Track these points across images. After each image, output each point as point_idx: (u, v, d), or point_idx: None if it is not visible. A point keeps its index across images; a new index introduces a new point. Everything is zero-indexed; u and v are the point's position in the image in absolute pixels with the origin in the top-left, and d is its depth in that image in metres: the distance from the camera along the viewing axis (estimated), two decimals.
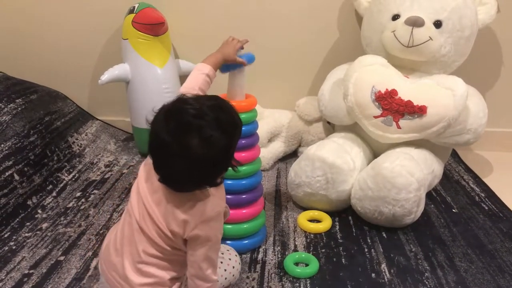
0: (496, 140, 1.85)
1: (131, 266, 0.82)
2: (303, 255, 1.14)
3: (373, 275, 1.10)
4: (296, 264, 1.12)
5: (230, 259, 0.98)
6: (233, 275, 0.97)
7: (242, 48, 1.11)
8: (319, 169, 1.28)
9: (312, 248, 1.20)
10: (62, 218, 1.32)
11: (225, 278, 0.95)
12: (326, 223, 1.28)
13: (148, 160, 0.83)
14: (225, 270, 0.95)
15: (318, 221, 1.31)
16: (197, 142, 0.71)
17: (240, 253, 1.15)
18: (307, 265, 1.12)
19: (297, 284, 1.06)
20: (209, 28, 1.78)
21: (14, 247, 1.18)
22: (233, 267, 0.97)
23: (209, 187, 0.80)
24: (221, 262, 0.95)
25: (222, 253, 0.98)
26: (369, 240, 1.24)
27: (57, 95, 1.77)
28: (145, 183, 0.83)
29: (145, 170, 0.85)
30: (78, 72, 1.88)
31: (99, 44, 1.83)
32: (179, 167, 0.74)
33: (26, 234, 1.24)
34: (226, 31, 1.77)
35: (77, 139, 1.69)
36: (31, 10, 1.80)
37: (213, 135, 0.72)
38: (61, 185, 1.49)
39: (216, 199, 0.81)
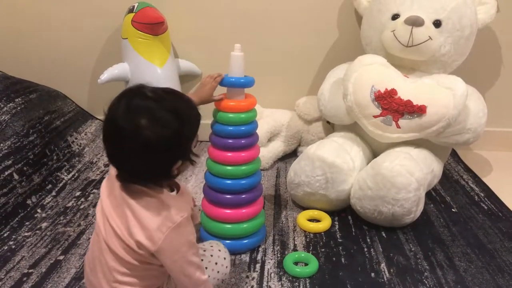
0: (495, 140, 1.85)
1: (107, 287, 0.80)
2: (303, 255, 1.14)
3: (372, 274, 1.10)
4: (296, 263, 1.12)
5: (212, 255, 0.94)
6: (218, 271, 0.94)
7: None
8: (318, 169, 1.28)
9: (311, 247, 1.20)
10: (61, 218, 1.32)
11: (209, 276, 0.89)
12: (325, 222, 1.28)
13: (110, 172, 0.82)
14: (206, 268, 0.91)
15: (317, 220, 1.31)
16: (146, 123, 0.70)
17: (240, 252, 1.15)
18: (306, 264, 1.12)
19: (296, 283, 1.06)
20: (209, 27, 1.78)
21: (13, 247, 1.18)
22: (216, 263, 0.94)
23: (165, 179, 0.79)
24: (202, 260, 0.90)
25: (204, 251, 0.95)
26: (368, 240, 1.24)
27: (56, 94, 1.77)
28: (108, 198, 0.81)
29: (107, 185, 0.82)
30: (78, 72, 1.88)
31: (99, 43, 1.83)
32: (131, 151, 0.72)
33: (26, 234, 1.24)
34: (225, 30, 1.78)
35: (76, 138, 1.69)
36: (31, 10, 1.80)
37: (163, 116, 0.72)
38: (61, 184, 1.49)
39: (180, 203, 0.79)
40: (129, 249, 0.77)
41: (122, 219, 0.77)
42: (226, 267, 0.96)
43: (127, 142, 0.72)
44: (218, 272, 0.94)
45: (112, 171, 0.81)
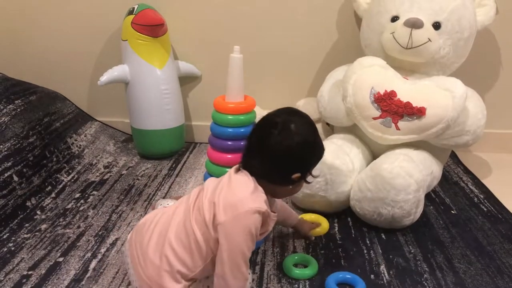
0: (495, 142, 1.85)
1: (155, 252, 0.87)
2: (302, 257, 1.14)
3: (372, 276, 1.10)
4: (295, 265, 1.12)
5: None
6: None
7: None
8: (318, 170, 1.28)
9: (311, 249, 1.20)
10: (61, 219, 1.32)
11: None
12: (323, 226, 1.28)
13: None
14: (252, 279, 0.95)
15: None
16: (295, 127, 0.88)
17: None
18: (306, 266, 1.12)
19: (296, 285, 1.06)
20: (209, 29, 1.78)
21: (13, 248, 1.18)
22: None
23: (282, 182, 0.91)
24: None
25: None
26: (368, 241, 1.24)
27: (56, 96, 1.77)
28: (212, 185, 0.91)
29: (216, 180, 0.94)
30: (78, 73, 1.88)
31: (99, 45, 1.83)
32: (277, 148, 0.87)
33: (25, 235, 1.24)
34: (225, 32, 1.78)
35: (76, 140, 1.69)
36: (31, 11, 1.80)
37: (307, 130, 0.90)
38: (60, 186, 1.49)
39: (260, 199, 0.87)
40: (201, 220, 0.85)
41: (213, 191, 0.88)
42: (249, 282, 0.96)
43: (275, 139, 0.87)
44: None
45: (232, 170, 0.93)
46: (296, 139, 0.87)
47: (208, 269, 0.88)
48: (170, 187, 1.52)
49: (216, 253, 0.85)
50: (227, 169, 1.09)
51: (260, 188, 0.88)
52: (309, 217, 1.32)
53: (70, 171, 1.57)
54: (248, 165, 0.90)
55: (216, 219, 0.84)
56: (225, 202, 0.84)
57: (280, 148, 0.86)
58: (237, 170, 0.91)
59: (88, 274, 1.08)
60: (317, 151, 0.93)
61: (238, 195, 0.85)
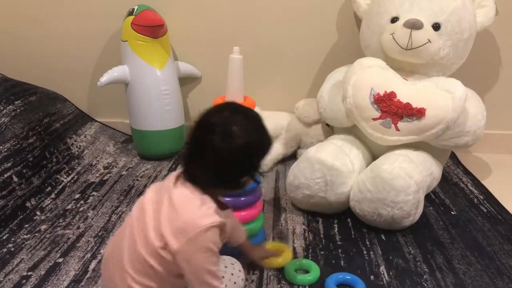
0: (494, 142, 1.85)
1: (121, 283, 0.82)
2: (304, 262, 1.13)
3: (371, 277, 1.10)
4: (296, 270, 1.11)
5: (232, 274, 0.95)
6: (235, 283, 0.94)
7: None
8: (318, 171, 1.28)
9: (311, 250, 1.20)
10: (60, 220, 1.32)
11: (226, 286, 0.89)
12: (285, 256, 1.12)
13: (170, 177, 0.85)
14: (226, 285, 0.90)
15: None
16: (238, 131, 0.79)
17: (239, 255, 1.15)
18: (307, 271, 1.10)
19: (295, 286, 1.06)
20: (208, 30, 1.78)
21: (12, 249, 1.18)
22: (235, 282, 0.94)
23: (232, 187, 0.85)
24: (223, 277, 0.91)
25: (226, 266, 0.95)
26: (368, 242, 1.24)
27: (56, 96, 1.77)
28: (151, 199, 0.84)
29: (157, 187, 0.86)
30: (77, 74, 1.88)
31: (99, 46, 1.83)
32: (218, 155, 0.78)
33: (25, 236, 1.24)
34: (225, 33, 1.78)
35: (76, 140, 1.69)
36: (31, 12, 1.80)
37: (253, 129, 0.81)
38: (60, 187, 1.49)
39: (211, 211, 0.80)
40: (151, 246, 0.79)
41: (155, 215, 0.80)
42: (242, 279, 0.96)
43: (214, 146, 0.78)
44: (235, 283, 0.94)
45: (171, 177, 0.84)
46: (240, 143, 0.78)
47: (178, 281, 0.84)
48: None
49: (179, 267, 0.80)
50: None
51: (207, 198, 0.81)
52: (271, 245, 1.18)
53: (70, 172, 1.57)
54: (191, 175, 0.82)
55: (169, 247, 0.77)
56: (172, 228, 0.77)
57: (224, 155, 0.78)
58: (176, 180, 0.82)
59: (88, 275, 1.08)
60: (264, 149, 0.84)
61: (184, 216, 0.78)
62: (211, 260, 0.80)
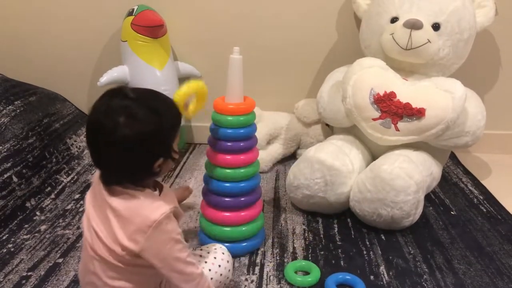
0: (494, 143, 1.85)
1: None
2: (304, 263, 1.13)
3: (371, 277, 1.10)
4: (296, 272, 1.11)
5: (215, 257, 0.93)
6: (221, 274, 0.93)
7: None
8: (318, 171, 1.28)
9: (310, 250, 1.20)
10: (60, 220, 1.32)
11: (211, 278, 0.90)
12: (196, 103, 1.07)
13: (93, 180, 0.85)
14: (210, 270, 0.91)
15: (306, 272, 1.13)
16: (124, 120, 0.73)
17: (239, 255, 1.15)
18: (308, 273, 1.10)
19: (295, 286, 1.06)
20: (208, 30, 1.78)
21: (12, 249, 1.18)
22: (219, 265, 0.93)
23: (147, 177, 0.80)
24: (205, 262, 0.92)
25: (208, 253, 0.94)
26: (367, 243, 1.24)
27: (56, 97, 1.77)
28: (92, 205, 0.83)
29: (91, 194, 0.85)
30: (77, 74, 1.88)
31: (98, 46, 1.83)
32: (112, 149, 0.75)
33: (25, 236, 1.23)
34: (225, 33, 1.78)
35: (75, 141, 1.69)
36: (30, 12, 1.80)
37: (141, 113, 0.75)
38: (60, 187, 1.49)
39: (161, 201, 0.79)
40: (113, 252, 0.78)
41: (105, 224, 0.79)
42: (229, 270, 0.96)
43: (107, 140, 0.75)
44: (221, 275, 0.93)
45: (95, 179, 0.83)
46: (137, 129, 0.74)
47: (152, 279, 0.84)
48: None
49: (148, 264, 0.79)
50: (227, 170, 1.10)
51: (146, 192, 0.79)
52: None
53: (70, 172, 1.57)
54: (112, 179, 0.79)
55: (132, 251, 0.77)
56: (128, 235, 0.76)
57: (124, 148, 0.75)
58: (108, 190, 0.79)
59: None
60: (169, 127, 0.80)
61: (135, 219, 0.76)
62: (176, 248, 0.79)
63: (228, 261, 0.95)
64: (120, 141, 0.74)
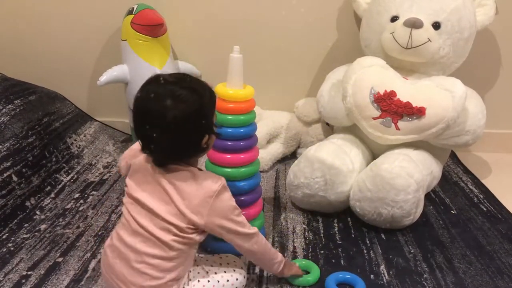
0: (494, 142, 1.85)
1: (128, 268, 0.84)
2: (304, 262, 1.12)
3: (372, 276, 1.10)
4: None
5: (234, 270, 0.96)
6: (237, 279, 0.95)
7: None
8: (318, 171, 1.28)
9: (311, 249, 1.20)
10: (60, 220, 1.32)
11: (227, 280, 0.94)
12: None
13: (133, 165, 0.90)
14: (228, 280, 0.94)
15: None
16: (171, 103, 0.80)
17: (239, 254, 1.15)
18: (307, 272, 1.10)
19: (295, 286, 1.06)
20: (208, 29, 1.78)
21: (12, 249, 1.18)
22: (237, 279, 0.95)
23: (197, 153, 0.88)
24: (225, 272, 0.94)
25: (228, 263, 0.97)
26: (368, 242, 1.24)
27: (55, 96, 1.77)
28: (140, 188, 0.88)
29: (135, 179, 0.89)
30: (77, 73, 1.87)
31: (98, 45, 1.83)
32: (164, 132, 0.81)
33: (24, 236, 1.23)
34: (225, 32, 1.78)
35: (75, 140, 1.69)
36: (30, 11, 1.80)
37: (184, 94, 0.81)
38: (60, 186, 1.48)
39: (213, 174, 0.88)
40: (172, 228, 0.84)
41: (164, 201, 0.85)
42: (244, 276, 0.98)
43: (159, 124, 0.81)
44: (237, 279, 0.95)
45: (137, 165, 0.90)
46: (184, 109, 0.81)
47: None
48: None
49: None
50: (227, 169, 1.10)
51: (196, 169, 0.88)
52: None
53: (70, 171, 1.57)
54: (166, 160, 0.86)
55: (196, 223, 0.85)
56: (192, 208, 0.84)
57: (175, 129, 0.81)
58: (163, 170, 0.86)
59: (88, 274, 1.08)
60: (209, 105, 0.87)
61: (197, 193, 0.84)
62: (235, 214, 0.88)
63: (244, 276, 0.98)
64: (171, 123, 0.80)
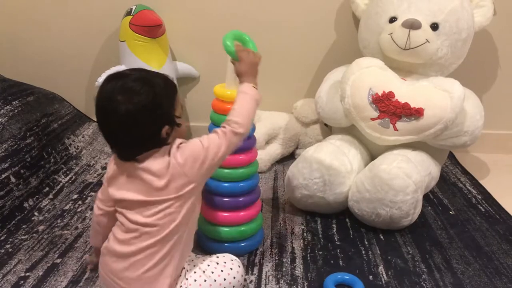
0: (492, 142, 1.86)
1: (125, 264, 0.87)
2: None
3: (370, 277, 1.10)
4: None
5: (231, 268, 0.95)
6: (234, 286, 0.94)
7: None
8: (316, 171, 1.28)
9: (309, 250, 1.20)
10: (58, 221, 1.31)
11: (221, 283, 0.93)
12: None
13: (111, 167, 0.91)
14: (225, 279, 0.93)
15: None
16: (122, 98, 0.81)
17: (238, 255, 1.14)
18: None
19: (294, 286, 1.06)
20: (207, 30, 1.78)
21: (10, 250, 1.17)
22: (234, 277, 0.95)
23: (157, 144, 0.86)
24: (222, 271, 0.94)
25: (225, 262, 0.96)
26: (366, 242, 1.24)
27: (54, 97, 1.76)
28: (127, 190, 0.88)
29: (113, 186, 0.90)
30: (75, 74, 1.87)
31: (96, 46, 1.83)
32: (120, 127, 0.82)
33: (23, 237, 1.23)
34: (223, 33, 1.77)
35: (74, 141, 1.69)
36: (28, 12, 1.79)
37: (134, 86, 0.82)
38: (58, 187, 1.48)
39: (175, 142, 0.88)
40: (156, 206, 0.85)
41: (141, 189, 0.85)
42: (241, 284, 0.97)
43: (114, 120, 0.82)
44: (233, 286, 0.95)
45: (111, 168, 0.90)
46: (136, 102, 0.81)
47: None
48: None
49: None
50: (225, 170, 1.10)
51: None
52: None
53: (68, 172, 1.56)
54: (130, 153, 0.86)
55: (186, 187, 0.86)
56: (171, 177, 0.84)
57: (131, 122, 0.82)
58: (132, 163, 0.86)
59: (86, 276, 1.08)
60: (164, 95, 0.86)
61: (165, 163, 0.85)
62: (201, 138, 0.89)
63: (242, 275, 0.97)
64: (125, 117, 0.81)
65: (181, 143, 0.88)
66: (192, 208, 0.89)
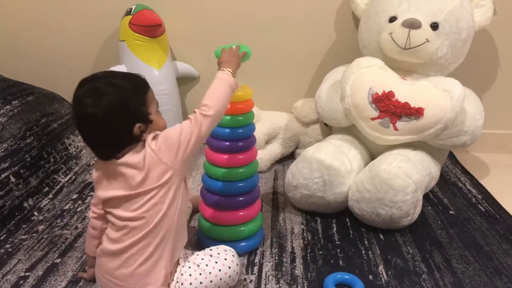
0: (492, 142, 1.86)
1: (119, 262, 0.89)
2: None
3: (370, 276, 1.10)
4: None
5: (226, 259, 0.96)
6: (230, 276, 0.95)
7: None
8: (316, 171, 1.28)
9: (309, 250, 1.20)
10: (58, 220, 1.31)
11: (220, 279, 0.93)
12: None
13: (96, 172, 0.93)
14: (220, 270, 0.94)
15: None
16: (90, 100, 0.83)
17: (238, 255, 1.15)
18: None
19: (294, 286, 1.06)
20: (206, 30, 1.78)
21: (10, 250, 1.17)
22: (229, 267, 0.95)
23: (132, 142, 0.88)
24: (216, 262, 0.94)
25: (218, 253, 0.97)
26: (366, 242, 1.24)
27: (53, 96, 1.76)
28: (115, 188, 0.90)
29: (100, 188, 0.92)
30: (75, 74, 1.82)
31: (96, 45, 1.83)
32: (93, 128, 0.86)
33: (22, 237, 1.23)
34: (223, 33, 1.78)
35: (73, 141, 1.68)
36: (28, 12, 1.79)
37: (100, 88, 0.85)
38: (58, 187, 1.48)
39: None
40: (140, 197, 0.87)
41: (124, 184, 0.88)
42: (237, 273, 0.98)
43: (86, 123, 0.86)
44: (230, 276, 0.96)
45: (95, 172, 0.93)
46: (104, 104, 0.83)
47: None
48: None
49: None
50: (225, 170, 1.10)
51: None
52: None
53: (68, 172, 1.56)
54: (107, 152, 0.89)
55: (168, 175, 0.87)
56: (151, 167, 0.86)
57: (101, 122, 0.84)
58: (112, 161, 0.88)
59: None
60: (133, 94, 0.87)
61: (142, 154, 0.86)
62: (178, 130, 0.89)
63: (237, 264, 0.98)
64: (94, 119, 0.83)
65: (158, 134, 0.90)
66: (175, 196, 0.90)
